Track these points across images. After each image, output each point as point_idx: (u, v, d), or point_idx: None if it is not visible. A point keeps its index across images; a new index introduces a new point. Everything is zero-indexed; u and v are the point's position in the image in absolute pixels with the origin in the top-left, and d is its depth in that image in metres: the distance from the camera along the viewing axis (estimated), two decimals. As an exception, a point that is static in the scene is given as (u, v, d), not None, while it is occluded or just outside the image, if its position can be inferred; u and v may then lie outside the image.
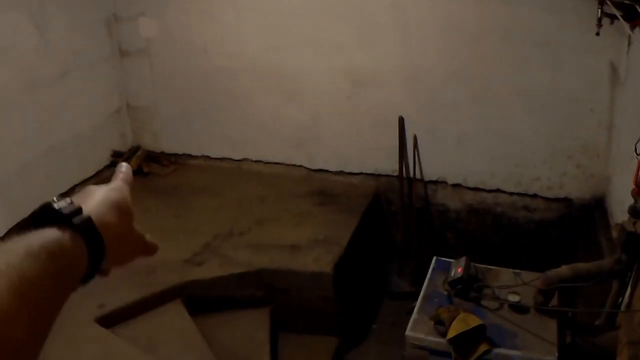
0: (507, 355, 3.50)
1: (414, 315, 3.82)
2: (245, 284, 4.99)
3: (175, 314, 4.70)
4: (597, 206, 5.59)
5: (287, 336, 5.13)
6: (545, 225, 5.98)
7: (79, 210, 0.98)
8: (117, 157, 6.49)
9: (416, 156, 5.96)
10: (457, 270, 3.93)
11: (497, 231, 6.18)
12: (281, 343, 5.04)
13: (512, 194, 5.95)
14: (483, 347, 3.48)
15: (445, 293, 3.96)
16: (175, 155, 6.81)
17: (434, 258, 4.37)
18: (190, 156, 6.78)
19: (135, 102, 6.78)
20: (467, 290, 3.88)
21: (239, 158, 6.60)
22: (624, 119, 4.97)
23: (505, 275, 4.16)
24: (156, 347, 4.44)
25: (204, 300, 4.90)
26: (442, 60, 5.64)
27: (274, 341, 4.91)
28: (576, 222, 5.76)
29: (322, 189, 6.21)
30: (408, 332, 3.71)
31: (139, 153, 6.60)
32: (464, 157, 5.92)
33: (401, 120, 5.78)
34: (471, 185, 6.04)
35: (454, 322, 3.53)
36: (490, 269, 4.19)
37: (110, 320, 4.47)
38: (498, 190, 5.98)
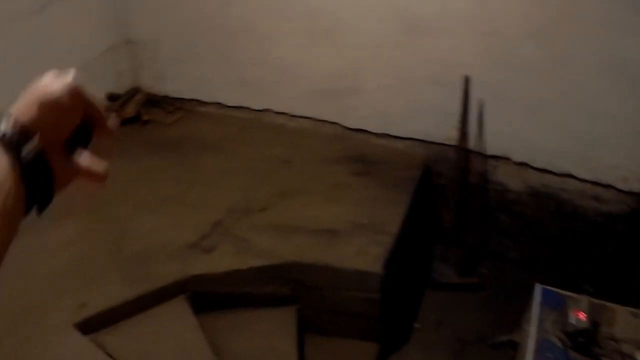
0: None
1: None
2: (267, 279, 3.84)
3: (177, 316, 3.57)
4: None
5: (315, 339, 4.03)
6: (613, 220, 5.02)
7: (23, 136, 0.94)
8: (113, 100, 5.33)
9: (479, 125, 4.87)
10: (578, 315, 2.90)
11: (558, 219, 5.20)
12: (308, 347, 3.94)
13: (583, 180, 4.94)
14: None
15: (560, 344, 2.91)
16: (182, 100, 5.60)
17: (538, 288, 3.33)
18: (199, 102, 5.56)
19: (135, 36, 5.56)
20: (590, 344, 2.86)
21: (259, 108, 5.39)
22: None
23: (622, 316, 3.12)
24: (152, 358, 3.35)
25: (213, 296, 3.78)
26: (523, 13, 4.49)
27: (301, 349, 3.82)
28: None
29: (361, 153, 5.01)
30: None
31: (138, 97, 5.45)
32: (535, 132, 4.85)
33: (466, 81, 4.66)
34: (538, 165, 4.99)
35: None
36: (604, 306, 3.13)
37: (93, 325, 3.38)
38: (568, 175, 4.96)
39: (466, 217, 5.28)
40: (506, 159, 5.03)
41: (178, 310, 3.58)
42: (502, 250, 5.56)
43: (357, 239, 3.99)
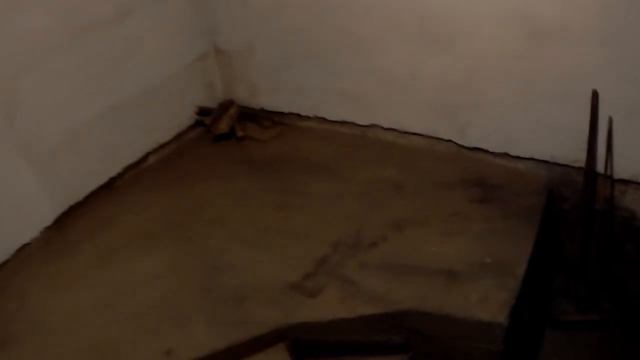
0: None
1: None
2: (378, 327, 3.35)
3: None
4: None
5: None
6: None
7: None
8: (204, 115, 4.98)
9: (608, 146, 4.27)
10: None
11: None
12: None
13: None
14: None
15: None
16: (280, 114, 5.13)
17: None
18: (299, 116, 5.08)
19: (225, 45, 5.12)
20: None
21: (364, 123, 4.87)
22: None
23: None
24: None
25: (315, 344, 3.32)
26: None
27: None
28: None
29: (479, 175, 4.47)
30: None
31: (231, 111, 5.03)
32: None
33: (595, 96, 4.06)
34: None
35: None
36: None
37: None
38: None
39: (590, 246, 4.69)
40: (636, 183, 4.45)
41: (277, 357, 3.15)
42: (625, 282, 5.03)
43: (479, 282, 3.47)
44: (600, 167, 4.36)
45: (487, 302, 3.34)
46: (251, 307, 3.24)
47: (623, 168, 4.38)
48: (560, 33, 4.06)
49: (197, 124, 5.00)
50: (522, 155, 4.57)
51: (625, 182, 4.44)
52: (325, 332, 3.27)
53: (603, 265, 4.77)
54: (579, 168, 4.39)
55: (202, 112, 5.03)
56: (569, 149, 4.39)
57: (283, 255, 3.59)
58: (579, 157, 4.34)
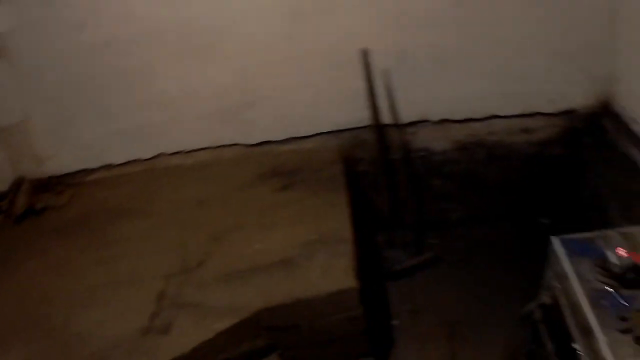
0: None
1: (601, 338, 2.28)
2: (239, 338, 3.27)
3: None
4: (605, 112, 4.51)
5: None
6: (548, 145, 4.84)
7: None
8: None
9: (389, 96, 4.44)
10: (618, 252, 2.52)
11: (491, 165, 4.95)
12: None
13: (508, 117, 4.69)
14: None
15: (610, 288, 2.50)
16: (69, 175, 4.83)
17: (557, 240, 2.80)
18: (86, 171, 4.81)
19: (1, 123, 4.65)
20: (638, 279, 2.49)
21: (150, 156, 4.73)
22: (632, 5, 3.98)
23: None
24: None
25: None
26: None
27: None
28: (582, 134, 4.71)
29: (274, 166, 4.50)
30: None
31: (24, 187, 4.68)
32: (449, 84, 4.50)
33: (365, 54, 4.20)
34: (460, 117, 4.68)
35: None
36: (626, 233, 2.69)
37: None
38: (492, 117, 4.69)
39: (399, 194, 4.88)
40: (424, 121, 4.67)
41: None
42: (444, 215, 5.24)
43: (315, 259, 3.49)
44: (387, 118, 4.52)
45: (330, 273, 3.36)
46: None
47: (408, 112, 4.57)
48: (319, 3, 4.11)
49: (-3, 211, 4.64)
50: (308, 134, 4.64)
51: (413, 124, 4.64)
52: None
53: (416, 207, 4.93)
54: (367, 126, 4.52)
55: (-2, 198, 4.67)
56: (353, 112, 4.49)
57: (123, 305, 3.39)
58: (363, 116, 4.46)
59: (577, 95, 4.58)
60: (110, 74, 4.36)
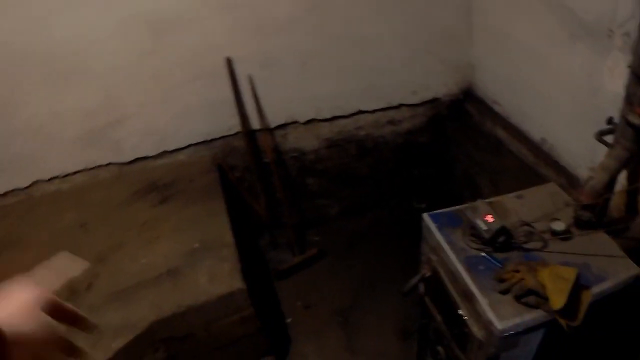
0: (601, 291, 2.35)
1: (482, 300, 2.36)
2: (139, 354, 3.18)
3: None
4: (467, 98, 4.75)
5: None
6: (414, 134, 5.03)
7: None
8: None
9: (256, 101, 4.44)
10: (485, 219, 2.59)
11: (363, 158, 5.08)
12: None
13: (374, 111, 4.81)
14: (586, 297, 2.29)
15: (482, 254, 2.59)
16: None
17: (427, 216, 2.88)
18: None
19: None
20: (509, 239, 2.59)
21: (26, 184, 4.49)
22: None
23: (511, 203, 2.89)
24: None
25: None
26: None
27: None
28: (447, 120, 4.95)
29: (149, 182, 4.41)
30: (499, 326, 2.24)
31: None
32: (313, 85, 4.54)
33: (229, 62, 4.20)
34: (327, 115, 4.74)
35: (548, 286, 2.27)
36: (491, 202, 2.81)
37: None
38: (358, 112, 4.78)
39: (276, 196, 4.94)
40: (293, 123, 4.70)
41: None
42: (322, 211, 5.29)
43: (200, 265, 3.47)
44: (256, 123, 4.52)
45: (217, 277, 3.35)
46: None
47: (277, 115, 4.59)
48: (179, 18, 4.02)
49: None
50: (180, 147, 4.57)
51: (283, 126, 4.65)
52: None
53: (294, 207, 4.97)
54: (237, 133, 4.52)
55: None
56: (221, 120, 4.48)
57: None
58: (233, 124, 4.46)
59: (439, 85, 4.74)
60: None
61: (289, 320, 4.47)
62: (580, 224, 2.64)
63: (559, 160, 3.57)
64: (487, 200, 2.80)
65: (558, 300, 2.20)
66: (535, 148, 3.80)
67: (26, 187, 4.50)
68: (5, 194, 4.48)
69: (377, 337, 4.23)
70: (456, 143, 4.98)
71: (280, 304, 4.63)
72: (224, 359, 3.57)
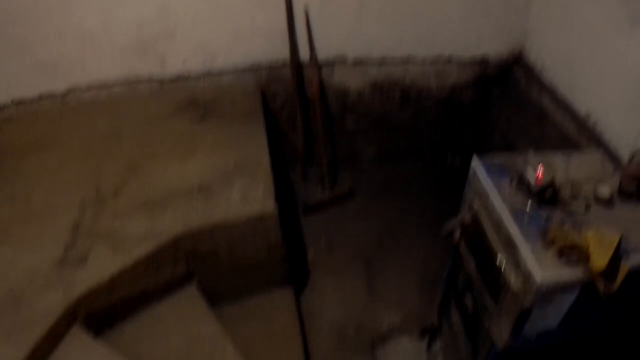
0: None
1: (525, 250, 2.27)
2: (158, 265, 3.11)
3: (78, 348, 2.77)
4: (516, 63, 4.72)
5: (227, 309, 3.50)
6: (458, 90, 4.90)
7: None
8: None
9: (309, 33, 4.30)
10: (536, 173, 2.50)
11: (405, 107, 4.94)
12: (224, 320, 3.28)
13: (423, 60, 4.66)
14: (625, 266, 2.19)
15: (528, 206, 2.51)
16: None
17: (476, 160, 2.79)
18: None
19: None
20: (555, 195, 2.51)
21: (63, 90, 4.35)
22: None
23: (559, 161, 2.78)
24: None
25: (107, 312, 3.01)
26: None
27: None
28: (494, 82, 4.82)
29: (191, 99, 4.32)
30: (539, 278, 2.16)
31: None
32: (367, 26, 4.41)
33: (288, -9, 4.05)
34: (376, 58, 4.59)
35: (591, 247, 2.20)
36: (540, 156, 2.72)
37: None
38: (408, 59, 4.63)
39: (313, 132, 4.87)
40: (342, 61, 4.57)
41: (77, 342, 2.80)
42: (357, 152, 5.19)
43: (233, 184, 3.39)
44: (305, 56, 4.39)
45: (249, 198, 3.27)
46: (29, 302, 2.80)
47: (327, 51, 4.45)
48: None
49: None
50: (225, 69, 4.43)
51: (331, 63, 4.52)
52: (112, 292, 2.95)
53: (331, 144, 4.85)
54: (284, 64, 4.40)
55: None
56: (270, 48, 4.35)
57: (38, 238, 3.15)
58: (281, 54, 4.34)
59: (490, 46, 4.62)
60: (26, 3, 3.97)
61: (310, 255, 4.40)
62: (625, 194, 2.56)
63: (601, 137, 3.46)
64: (538, 154, 2.70)
65: (600, 262, 2.14)
66: (579, 122, 3.70)
67: (63, 94, 4.39)
68: (41, 98, 4.37)
69: (398, 284, 4.16)
70: (499, 106, 4.85)
71: (304, 238, 4.56)
72: (241, 282, 3.53)
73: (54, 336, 2.74)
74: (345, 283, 4.17)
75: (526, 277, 2.20)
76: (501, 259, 2.42)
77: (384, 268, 4.25)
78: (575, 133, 3.69)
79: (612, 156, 3.26)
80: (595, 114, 3.56)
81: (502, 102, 4.80)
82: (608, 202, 2.50)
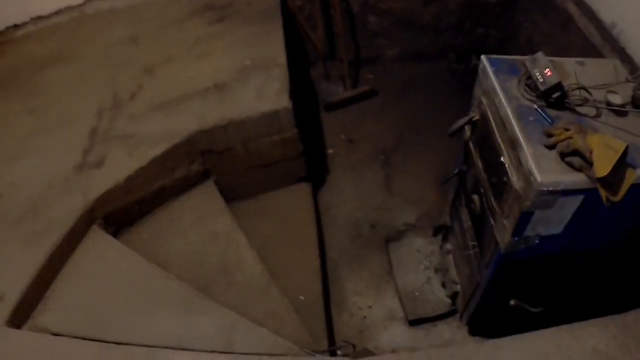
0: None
1: (527, 150, 2.19)
2: (174, 164, 3.10)
3: (97, 247, 2.79)
4: None
5: (244, 205, 3.50)
6: None
7: None
8: None
9: None
10: (545, 73, 2.38)
11: (429, 5, 4.74)
12: (240, 216, 3.29)
13: None
14: (630, 175, 2.11)
15: (535, 106, 2.40)
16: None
17: (486, 59, 2.65)
18: (15, 27, 4.36)
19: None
20: (564, 97, 2.40)
21: (79, 2, 4.29)
22: None
23: (571, 67, 2.64)
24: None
25: (125, 212, 3.02)
26: None
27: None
28: None
29: (207, 2, 4.18)
30: (539, 178, 2.09)
31: None
32: None
33: None
34: None
35: (595, 152, 2.10)
36: (552, 60, 2.53)
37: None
38: None
39: (334, 30, 4.71)
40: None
41: (97, 242, 2.82)
42: (379, 52, 5.05)
43: (248, 82, 3.32)
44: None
45: (264, 95, 3.21)
46: (51, 208, 2.82)
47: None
48: None
49: None
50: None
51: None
52: (129, 193, 2.96)
53: (352, 42, 4.76)
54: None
55: None
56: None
57: (56, 147, 3.16)
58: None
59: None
60: None
61: (330, 151, 4.34)
62: (638, 103, 2.43)
63: (625, 47, 3.29)
64: (548, 57, 2.53)
65: (602, 168, 2.04)
66: (604, 30, 3.51)
67: (79, 5, 4.32)
68: (58, 11, 4.32)
69: (415, 181, 4.10)
70: (524, 10, 4.64)
71: (324, 135, 4.49)
72: (258, 179, 3.49)
73: (74, 237, 2.77)
74: (363, 179, 4.12)
75: (527, 177, 2.13)
76: (505, 158, 2.34)
77: (402, 164, 4.19)
78: (599, 41, 3.51)
79: (635, 69, 3.04)
80: (621, 23, 3.38)
81: (528, 6, 4.58)
82: (620, 111, 2.39)
